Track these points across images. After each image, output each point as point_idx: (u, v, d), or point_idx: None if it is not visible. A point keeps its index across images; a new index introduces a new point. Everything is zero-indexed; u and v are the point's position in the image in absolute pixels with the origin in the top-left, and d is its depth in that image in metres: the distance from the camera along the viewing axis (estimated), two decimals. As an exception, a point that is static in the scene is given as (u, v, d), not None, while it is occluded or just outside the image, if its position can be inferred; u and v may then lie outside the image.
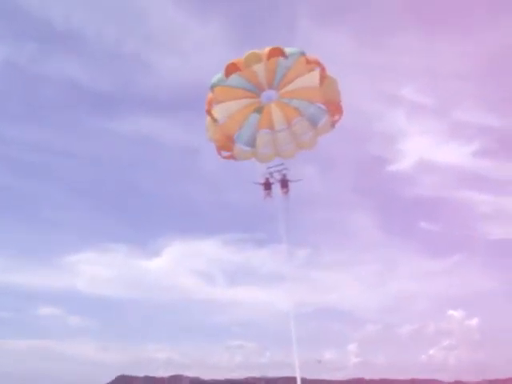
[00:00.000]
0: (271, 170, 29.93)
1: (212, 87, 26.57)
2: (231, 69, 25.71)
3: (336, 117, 27.98)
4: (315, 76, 26.56)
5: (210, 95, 26.91)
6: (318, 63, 26.21)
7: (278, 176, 29.93)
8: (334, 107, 27.73)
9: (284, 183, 29.75)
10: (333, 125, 28.20)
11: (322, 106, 27.91)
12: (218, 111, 27.58)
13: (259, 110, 28.16)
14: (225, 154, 28.85)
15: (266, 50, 25.31)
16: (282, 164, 29.78)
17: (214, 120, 27.62)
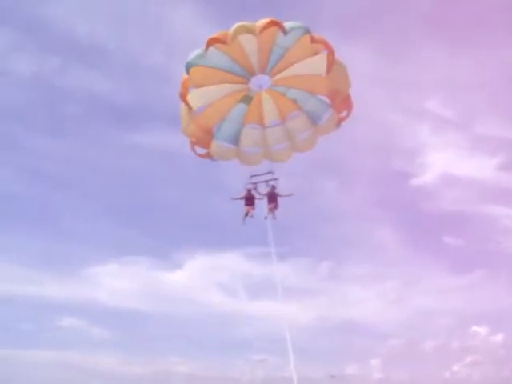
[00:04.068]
0: (256, 179, 24.08)
1: (188, 67, 20.50)
2: (213, 42, 19.57)
3: (343, 113, 22.18)
4: (321, 61, 20.63)
5: (185, 77, 20.91)
6: (325, 44, 20.22)
7: (264, 188, 24.11)
8: (342, 101, 21.89)
9: (272, 197, 23.79)
10: (338, 123, 22.34)
11: (327, 100, 22.10)
12: (195, 97, 21.65)
13: (247, 99, 22.32)
14: (200, 151, 22.97)
15: (260, 21, 19.32)
16: (269, 173, 23.91)
17: (190, 108, 21.73)
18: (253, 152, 23.25)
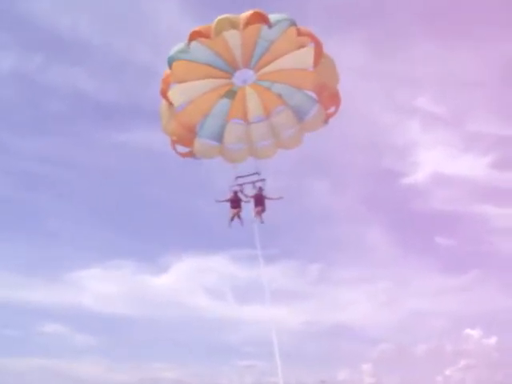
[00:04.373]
0: (241, 181, 23.08)
1: (170, 62, 19.47)
2: (195, 36, 18.62)
3: (330, 110, 21.35)
4: (308, 54, 19.74)
5: (167, 72, 19.92)
6: (312, 37, 19.32)
7: (250, 190, 23.09)
8: (329, 97, 21.03)
9: (259, 200, 22.76)
10: (326, 120, 21.51)
11: (313, 95, 21.27)
12: (177, 93, 20.67)
13: (231, 94, 21.40)
14: (182, 150, 22.02)
15: (244, 15, 18.36)
16: (256, 173, 22.95)
17: (171, 105, 20.75)
18: (237, 148, 22.40)
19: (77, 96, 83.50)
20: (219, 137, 22.06)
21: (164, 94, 20.39)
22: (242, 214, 22.73)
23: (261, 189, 22.83)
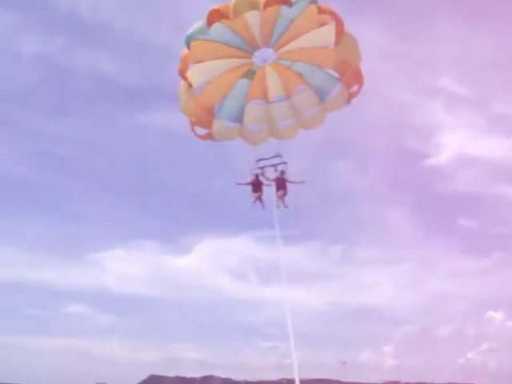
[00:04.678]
0: (262, 163, 22.59)
1: (188, 41, 19.11)
2: (215, 16, 18.25)
3: (353, 88, 20.80)
4: (329, 32, 19.15)
5: (186, 52, 19.60)
6: (333, 14, 18.75)
7: (271, 173, 22.58)
8: (352, 75, 20.49)
9: (280, 183, 22.28)
10: (348, 99, 20.99)
11: (335, 74, 20.68)
12: (195, 74, 20.32)
13: (250, 74, 20.93)
14: (201, 132, 21.74)
15: None
16: (277, 156, 22.43)
17: (189, 85, 20.42)
18: (257, 129, 21.99)
19: (98, 78, 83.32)
20: (239, 118, 21.67)
21: (182, 74, 20.12)
22: (264, 197, 22.39)
23: (282, 172, 22.38)
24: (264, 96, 21.59)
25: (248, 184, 22.68)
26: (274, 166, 22.52)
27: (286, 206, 22.00)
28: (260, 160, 22.60)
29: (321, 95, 21.21)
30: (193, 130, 21.49)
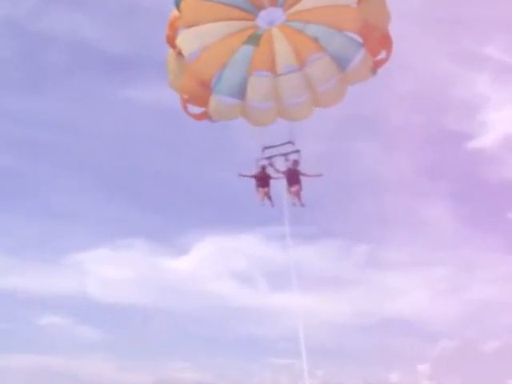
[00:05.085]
0: (270, 152, 19.18)
1: (177, 1, 15.94)
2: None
3: (380, 56, 17.29)
4: (349, -14, 15.64)
5: (175, 14, 16.36)
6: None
7: (282, 164, 19.18)
8: (378, 40, 16.92)
9: (293, 177, 18.89)
10: (374, 69, 17.45)
11: (358, 38, 17.11)
12: (187, 40, 17.02)
13: (254, 39, 17.45)
14: (195, 111, 18.30)
15: None
16: (289, 142, 18.90)
17: (179, 54, 17.13)
18: (263, 108, 18.42)
19: (78, 46, 71.73)
20: (241, 93, 18.07)
21: (171, 41, 16.94)
22: (274, 192, 19.15)
23: (296, 162, 18.92)
24: (271, 66, 18.04)
25: (253, 177, 19.34)
26: (285, 155, 19.09)
27: (303, 205, 18.66)
28: (267, 148, 19.13)
29: (340, 64, 17.59)
30: (185, 109, 18.03)
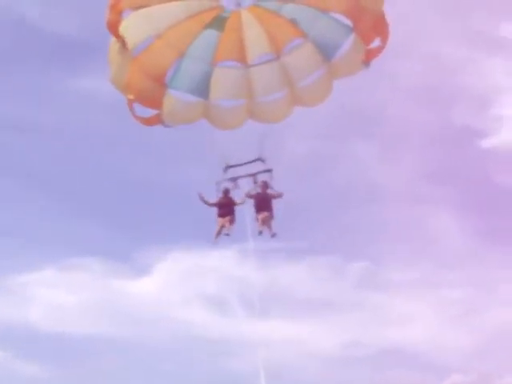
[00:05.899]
0: (235, 173, 16.28)
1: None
2: None
3: (374, 43, 14.45)
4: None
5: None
6: None
7: (250, 186, 16.35)
8: (371, 23, 14.01)
9: (263, 202, 16.01)
10: (367, 59, 14.53)
11: (346, 20, 14.18)
12: (134, 25, 13.99)
13: (219, 22, 14.62)
14: (145, 113, 15.11)
15: None
16: (258, 160, 16.00)
17: (124, 45, 14.01)
18: (231, 106, 15.30)
19: (18, 28, 60.38)
20: (203, 89, 14.80)
21: (114, 28, 13.99)
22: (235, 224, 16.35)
23: (265, 185, 16.06)
24: (241, 56, 14.84)
25: (213, 205, 16.47)
26: (253, 175, 16.29)
27: (274, 235, 15.82)
28: (230, 167, 16.21)
29: (325, 52, 14.51)
30: (132, 112, 14.86)
